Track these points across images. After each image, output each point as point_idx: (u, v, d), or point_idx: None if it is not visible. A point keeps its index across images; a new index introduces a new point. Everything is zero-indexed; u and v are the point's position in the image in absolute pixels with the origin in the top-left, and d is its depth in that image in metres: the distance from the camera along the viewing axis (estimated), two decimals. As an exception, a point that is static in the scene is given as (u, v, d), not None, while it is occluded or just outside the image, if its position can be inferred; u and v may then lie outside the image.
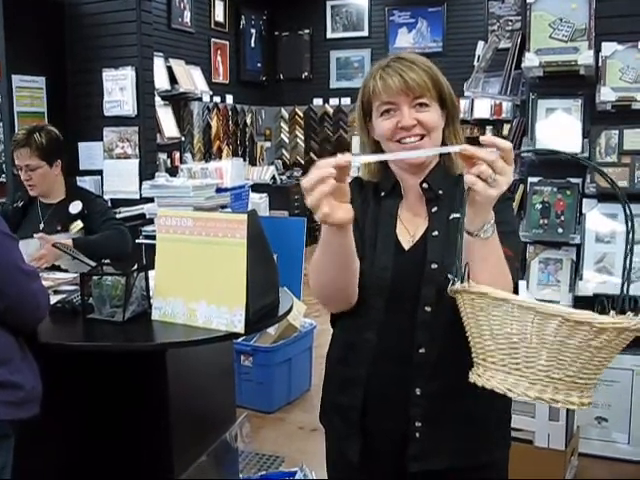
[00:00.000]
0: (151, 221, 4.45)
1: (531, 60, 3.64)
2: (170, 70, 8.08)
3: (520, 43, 4.02)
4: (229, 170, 4.61)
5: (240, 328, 2.05)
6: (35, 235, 3.00)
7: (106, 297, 2.17)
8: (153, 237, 4.51)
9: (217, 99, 9.64)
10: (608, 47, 3.56)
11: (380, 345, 1.68)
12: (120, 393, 2.30)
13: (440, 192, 1.68)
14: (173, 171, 6.56)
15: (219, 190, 4.53)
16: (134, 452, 2.30)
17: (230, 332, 2.06)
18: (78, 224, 3.23)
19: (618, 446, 3.76)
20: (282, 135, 11.58)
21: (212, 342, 2.02)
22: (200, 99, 9.01)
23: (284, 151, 11.64)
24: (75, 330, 2.18)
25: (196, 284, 2.11)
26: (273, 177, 10.23)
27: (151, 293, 2.26)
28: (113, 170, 5.15)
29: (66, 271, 2.81)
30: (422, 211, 1.71)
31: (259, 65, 10.87)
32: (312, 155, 11.39)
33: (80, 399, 2.32)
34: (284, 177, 10.85)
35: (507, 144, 1.31)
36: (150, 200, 4.70)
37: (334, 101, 11.13)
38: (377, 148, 1.71)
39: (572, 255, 3.85)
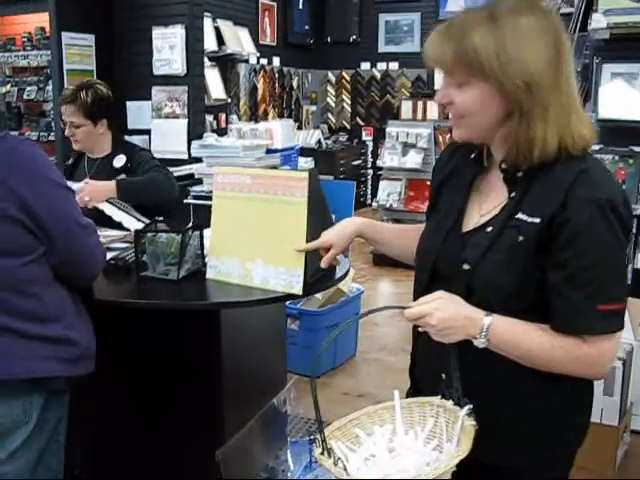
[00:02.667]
0: (200, 181, 4.41)
1: (598, 21, 3.47)
2: (218, 31, 7.99)
3: (586, 4, 3.85)
4: (279, 131, 4.53)
5: (298, 289, 1.99)
6: (81, 182, 2.99)
7: (160, 255, 2.12)
8: (202, 197, 4.50)
9: (264, 61, 9.53)
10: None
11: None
12: (173, 352, 2.26)
13: (519, 175, 1.43)
14: (220, 132, 6.51)
15: (269, 151, 4.46)
16: (186, 412, 2.27)
17: (287, 293, 1.99)
18: (122, 178, 3.21)
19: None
20: (328, 99, 11.44)
21: (268, 303, 1.96)
22: (247, 61, 8.92)
23: (330, 115, 11.50)
24: (129, 288, 2.14)
25: (253, 243, 2.05)
26: (319, 141, 10.13)
27: (205, 252, 2.21)
28: (161, 130, 5.11)
29: (119, 227, 2.76)
30: (505, 192, 1.48)
31: (306, 27, 10.69)
32: (358, 120, 11.25)
33: (133, 357, 2.30)
34: (329, 141, 10.74)
35: (407, 315, 1.39)
36: (198, 160, 4.66)
37: (382, 65, 10.92)
38: None
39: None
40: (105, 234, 2.68)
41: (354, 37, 11.02)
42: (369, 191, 10.77)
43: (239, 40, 8.43)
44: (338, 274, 2.22)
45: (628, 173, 3.63)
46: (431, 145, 7.36)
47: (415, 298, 1.52)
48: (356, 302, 4.72)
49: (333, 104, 11.46)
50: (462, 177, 1.58)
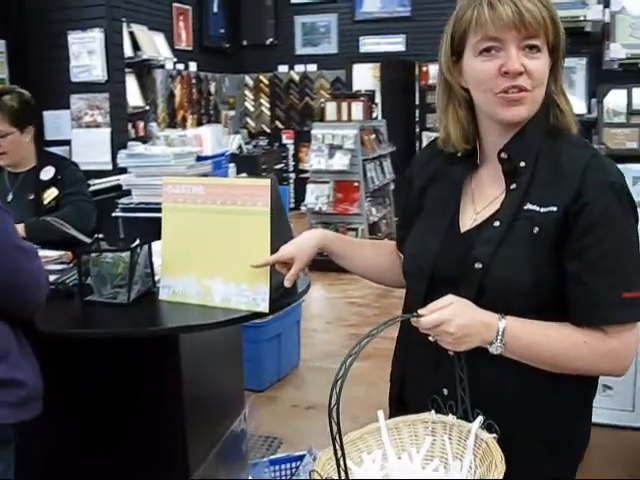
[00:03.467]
0: (127, 192, 4.17)
1: (617, 51, 3.42)
2: (132, 36, 7.71)
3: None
4: (208, 137, 4.35)
5: (264, 307, 1.83)
6: None
7: (107, 276, 1.93)
8: (131, 209, 4.26)
9: (180, 66, 9.29)
10: (617, 2, 3.37)
11: (410, 338, 1.47)
12: (128, 382, 2.06)
13: (522, 165, 1.35)
14: (139, 141, 6.26)
15: (199, 158, 4.27)
16: (146, 446, 2.07)
17: (252, 312, 1.83)
18: (52, 192, 2.96)
19: (622, 414, 3.66)
20: (246, 103, 11.28)
21: (233, 324, 1.80)
22: (163, 66, 8.66)
23: (249, 119, 11.35)
24: (74, 315, 1.94)
25: (210, 259, 1.88)
26: (239, 146, 9.94)
27: (156, 270, 2.03)
28: (82, 140, 4.84)
29: (52, 246, 2.52)
30: (501, 185, 1.39)
31: (222, 31, 10.49)
32: (278, 123, 11.14)
33: (83, 391, 2.07)
34: (250, 146, 10.57)
35: (424, 323, 1.27)
36: (123, 170, 4.42)
37: (300, 68, 10.85)
38: (466, 100, 1.40)
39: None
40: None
41: (271, 40, 10.89)
42: (292, 195, 10.65)
43: (155, 45, 8.17)
44: (300, 288, 2.07)
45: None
46: (357, 146, 7.31)
47: (411, 309, 1.40)
48: (297, 311, 4.59)
49: (252, 108, 11.31)
50: (451, 176, 1.47)
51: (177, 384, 1.99)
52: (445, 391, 1.43)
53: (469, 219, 1.43)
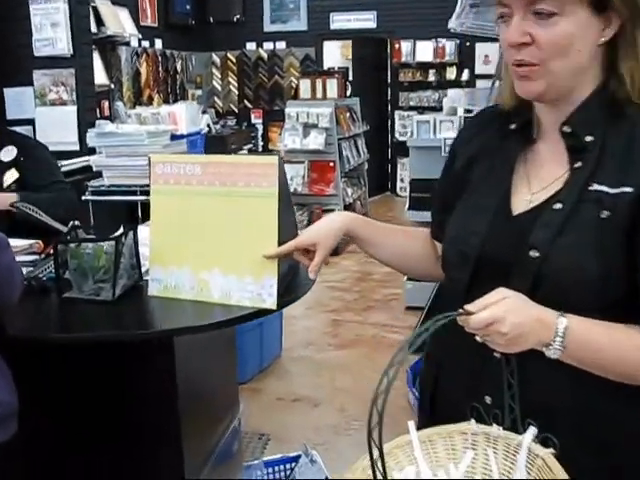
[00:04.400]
0: (99, 174, 3.89)
1: None
2: (96, 11, 7.32)
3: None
4: (183, 115, 4.08)
5: (271, 303, 1.60)
6: None
7: (88, 270, 1.68)
8: (102, 192, 3.98)
9: (145, 44, 8.92)
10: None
11: (453, 334, 1.26)
12: (115, 391, 1.81)
13: (588, 139, 1.17)
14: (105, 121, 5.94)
15: (174, 137, 4.00)
16: (137, 455, 1.83)
17: (258, 309, 1.60)
18: (12, 174, 2.64)
19: None
20: (214, 82, 10.95)
21: (236, 323, 1.57)
22: (128, 43, 8.29)
23: (216, 99, 11.02)
24: (50, 316, 1.68)
25: (208, 249, 1.64)
26: (208, 126, 9.62)
27: (143, 261, 1.79)
28: (47, 119, 4.52)
29: (22, 234, 2.23)
30: (563, 164, 1.21)
31: (188, 7, 10.11)
32: (246, 102, 10.83)
33: (63, 403, 1.81)
34: (218, 126, 10.25)
35: (476, 322, 1.07)
36: (93, 151, 4.14)
37: (268, 45, 10.54)
38: None
39: None
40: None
41: (238, 16, 10.53)
42: (263, 176, 10.35)
43: (119, 21, 7.79)
44: (306, 278, 1.84)
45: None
46: (333, 124, 7.07)
47: (454, 302, 1.20)
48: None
49: (219, 87, 10.98)
50: (503, 151, 1.27)
51: (171, 390, 1.75)
52: (488, 399, 1.24)
53: (523, 200, 1.24)
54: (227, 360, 2.22)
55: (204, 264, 1.65)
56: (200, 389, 1.95)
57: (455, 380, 1.34)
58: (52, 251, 1.72)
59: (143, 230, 1.89)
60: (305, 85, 7.15)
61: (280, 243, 1.56)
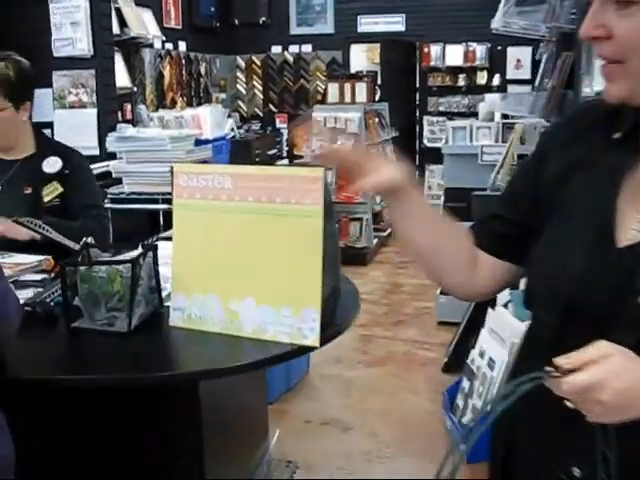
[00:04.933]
0: (118, 181, 3.68)
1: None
2: (119, 12, 7.15)
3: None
4: (208, 118, 3.87)
5: (313, 340, 1.37)
6: None
7: (100, 296, 1.45)
8: (121, 200, 3.77)
9: (169, 46, 8.74)
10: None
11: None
12: (133, 439, 1.56)
13: None
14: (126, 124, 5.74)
15: (198, 142, 3.79)
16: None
17: (297, 346, 1.37)
18: (55, 188, 2.38)
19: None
20: (238, 86, 10.74)
21: (272, 364, 1.33)
22: (152, 45, 8.11)
23: (241, 103, 10.81)
24: (56, 351, 1.44)
25: (239, 274, 1.41)
26: (232, 130, 9.44)
27: (164, 285, 1.56)
28: (66, 122, 4.33)
29: (29, 250, 1.99)
30: None
31: (212, 9, 9.92)
32: (271, 107, 10.62)
33: (71, 454, 1.57)
34: (242, 131, 10.06)
35: (569, 389, 0.85)
36: (112, 156, 3.94)
37: (294, 48, 10.31)
38: None
39: None
40: (9, 261, 1.95)
41: (264, 19, 10.32)
42: (287, 182, 10.14)
43: (143, 23, 7.61)
44: (348, 303, 1.60)
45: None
46: (362, 130, 6.83)
47: (538, 348, 0.96)
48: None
49: (244, 91, 10.78)
50: (605, 165, 1.02)
51: (195, 439, 1.51)
52: (577, 471, 1.00)
53: (630, 230, 0.99)
54: (256, 387, 1.98)
55: (234, 292, 1.41)
56: (227, 435, 1.71)
57: (535, 442, 1.10)
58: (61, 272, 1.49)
59: (163, 246, 1.66)
60: (333, 89, 6.92)
61: (324, 267, 1.32)
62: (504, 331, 3.23)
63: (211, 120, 3.86)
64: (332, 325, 1.44)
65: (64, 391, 1.39)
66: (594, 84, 3.04)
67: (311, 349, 1.38)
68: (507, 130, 4.96)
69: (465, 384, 3.39)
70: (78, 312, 1.48)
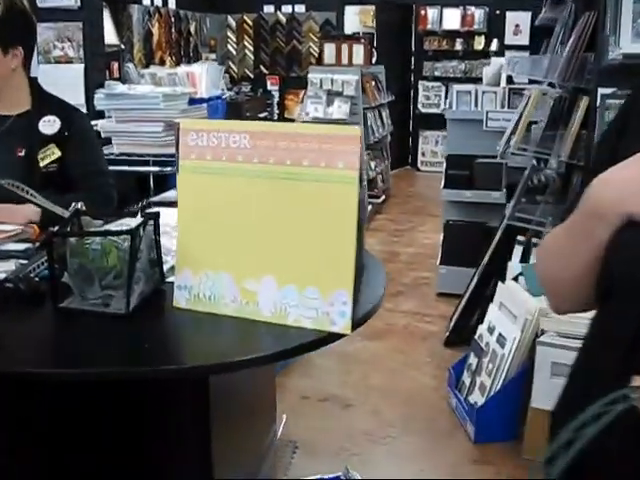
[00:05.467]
0: (107, 141, 3.45)
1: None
2: (105, -37, 6.84)
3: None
4: (204, 76, 3.62)
5: (343, 326, 1.17)
6: None
7: (93, 272, 1.25)
8: (111, 162, 3.53)
9: (158, 3, 8.44)
10: None
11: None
12: (132, 436, 1.36)
13: None
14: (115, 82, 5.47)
15: (192, 101, 3.54)
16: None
17: (324, 334, 1.17)
18: (53, 151, 2.08)
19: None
20: (229, 46, 10.44)
21: (294, 354, 1.14)
22: (140, 2, 7.82)
23: (231, 64, 10.51)
24: (43, 337, 1.24)
25: (256, 249, 1.21)
26: (222, 91, 9.16)
27: (167, 257, 1.36)
28: (50, 78, 4.03)
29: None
30: None
31: (203, -35, 9.59)
32: (262, 68, 10.34)
33: (66, 453, 1.36)
34: (232, 92, 9.77)
35: None
36: (101, 115, 3.69)
37: (287, 8, 10.02)
38: None
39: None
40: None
41: (256, -24, 10.02)
42: (279, 147, 9.90)
43: (131, -24, 7.31)
44: (373, 280, 1.41)
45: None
46: (359, 93, 6.59)
47: (618, 351, 0.77)
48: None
49: (234, 52, 10.48)
50: None
51: (203, 432, 1.31)
52: None
53: None
54: (266, 369, 1.78)
55: (250, 270, 1.21)
56: (237, 425, 1.52)
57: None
58: (47, 244, 1.28)
59: (166, 212, 1.46)
60: (330, 50, 6.66)
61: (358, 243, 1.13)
62: (516, 306, 3.06)
63: (206, 78, 3.62)
64: (358, 308, 1.24)
65: (53, 385, 1.19)
66: (621, 44, 2.83)
67: (339, 336, 1.19)
68: (514, 95, 4.76)
69: (472, 360, 3.23)
70: (67, 290, 1.27)
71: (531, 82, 4.50)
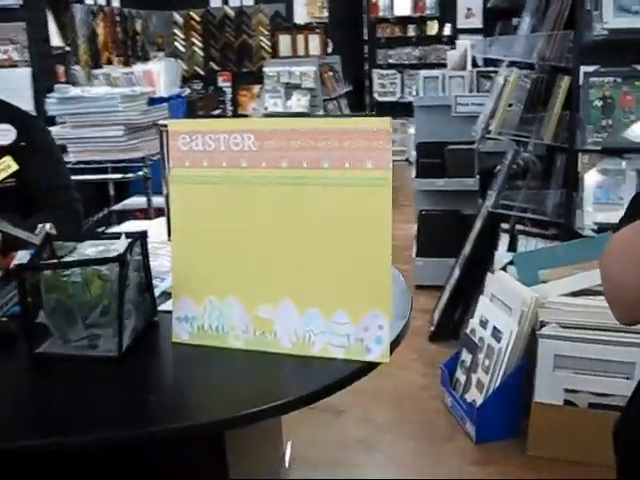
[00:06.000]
0: (62, 149, 3.20)
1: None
2: (44, -37, 6.52)
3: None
4: (162, 74, 3.39)
5: (381, 354, 0.99)
6: None
7: (75, 308, 1.04)
8: (69, 171, 3.30)
9: (102, 1, 8.13)
10: None
11: None
12: None
13: None
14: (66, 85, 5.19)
15: (152, 101, 3.32)
16: None
17: (359, 364, 0.99)
18: (8, 164, 1.76)
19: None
20: (176, 43, 10.15)
21: (329, 394, 0.95)
22: (82, 1, 7.51)
23: (180, 61, 10.21)
24: (12, 392, 1.01)
25: (270, 270, 1.02)
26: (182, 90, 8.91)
27: (158, 281, 1.16)
28: (-6, 83, 3.78)
29: None
30: None
31: (145, -39, 9.28)
32: (212, 65, 10.07)
33: None
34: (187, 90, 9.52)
35: None
36: (53, 121, 3.44)
37: (235, 2, 9.76)
38: None
39: (638, 164, 2.97)
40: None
41: (200, -30, 9.74)
42: (236, 144, 9.66)
43: (71, -25, 7.00)
44: (400, 294, 1.23)
45: (636, 99, 2.86)
46: (317, 85, 6.41)
47: None
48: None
49: (183, 49, 10.19)
50: None
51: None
52: None
53: None
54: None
55: (264, 294, 1.02)
56: (246, 459, 1.32)
57: None
58: (16, 278, 1.07)
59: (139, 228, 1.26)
60: (285, 42, 6.46)
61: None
62: (509, 298, 2.92)
63: (165, 76, 3.40)
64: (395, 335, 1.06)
65: (30, 459, 0.98)
66: (604, 19, 2.70)
67: (374, 366, 1.01)
68: (482, 79, 4.63)
69: (465, 357, 3.09)
70: (45, 331, 1.07)
71: (495, 64, 4.39)
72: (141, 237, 1.11)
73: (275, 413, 0.93)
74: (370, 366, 0.99)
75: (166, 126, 1.05)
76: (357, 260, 0.96)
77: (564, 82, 3.03)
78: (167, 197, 1.28)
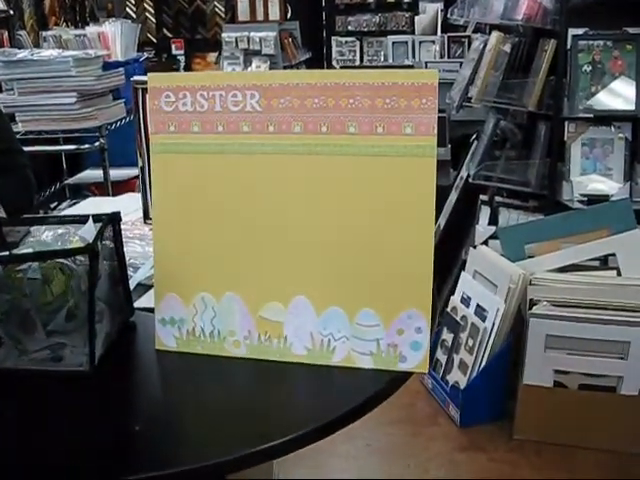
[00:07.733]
0: (10, 118, 2.93)
1: None
2: None
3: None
4: (118, 37, 3.13)
5: (418, 362, 0.81)
6: None
7: (33, 312, 0.83)
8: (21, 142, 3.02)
9: (47, -37, 7.71)
10: None
11: None
12: None
13: None
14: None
15: (107, 65, 3.06)
16: None
17: (394, 374, 0.80)
18: None
19: None
20: (127, 9, 9.78)
21: (358, 416, 0.76)
22: (26, -38, 7.09)
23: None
24: None
25: (279, 261, 0.82)
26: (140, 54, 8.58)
27: (132, 274, 0.95)
28: None
29: None
30: None
31: None
32: (165, 31, 9.74)
33: None
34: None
35: None
36: (-1, 88, 3.16)
37: (188, -36, 9.42)
38: None
39: (626, 132, 2.83)
40: None
41: None
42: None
43: None
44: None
45: (627, 64, 2.72)
46: (278, 51, 6.16)
47: None
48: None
49: (134, 15, 9.81)
50: None
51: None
52: None
53: None
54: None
55: (272, 290, 0.83)
56: None
57: None
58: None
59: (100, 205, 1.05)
60: (243, 6, 6.18)
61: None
62: (494, 274, 2.76)
63: (122, 39, 3.13)
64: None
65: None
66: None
67: (408, 376, 0.82)
68: (453, 44, 4.45)
69: (446, 336, 2.93)
70: (-4, 340, 0.85)
71: (465, 29, 4.21)
72: (113, 220, 0.90)
73: (294, 447, 0.72)
74: (404, 377, 0.80)
75: (143, 82, 0.84)
76: (390, 248, 0.77)
77: (550, 46, 2.86)
78: (142, 170, 1.08)
